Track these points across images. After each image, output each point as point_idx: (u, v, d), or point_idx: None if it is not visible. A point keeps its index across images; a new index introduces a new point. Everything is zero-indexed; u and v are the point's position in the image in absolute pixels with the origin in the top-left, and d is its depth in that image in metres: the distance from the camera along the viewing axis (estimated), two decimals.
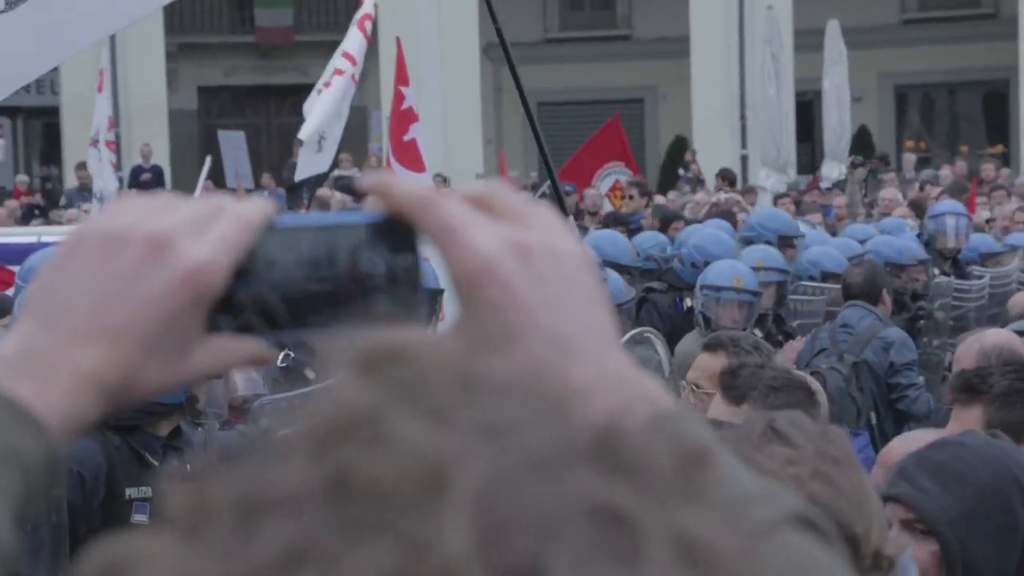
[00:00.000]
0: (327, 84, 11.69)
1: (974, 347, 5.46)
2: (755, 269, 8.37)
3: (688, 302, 9.08)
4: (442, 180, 24.10)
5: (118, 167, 27.99)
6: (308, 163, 11.51)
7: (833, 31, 23.12)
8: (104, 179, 18.70)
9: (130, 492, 4.97)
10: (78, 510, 4.81)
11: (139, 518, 4.99)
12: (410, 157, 10.40)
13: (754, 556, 0.71)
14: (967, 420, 3.49)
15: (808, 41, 25.39)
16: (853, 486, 2.19)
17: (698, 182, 24.50)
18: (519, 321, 1.04)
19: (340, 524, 0.67)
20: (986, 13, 32.24)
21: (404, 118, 10.47)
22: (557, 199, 6.52)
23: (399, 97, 10.60)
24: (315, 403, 0.73)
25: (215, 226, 1.06)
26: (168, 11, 28.92)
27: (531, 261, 1.06)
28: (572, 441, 0.72)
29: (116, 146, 18.29)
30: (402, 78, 10.63)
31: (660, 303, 9.07)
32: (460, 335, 0.91)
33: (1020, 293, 8.85)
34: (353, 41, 11.43)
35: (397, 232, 1.06)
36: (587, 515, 0.68)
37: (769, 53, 22.89)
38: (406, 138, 10.45)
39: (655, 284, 9.21)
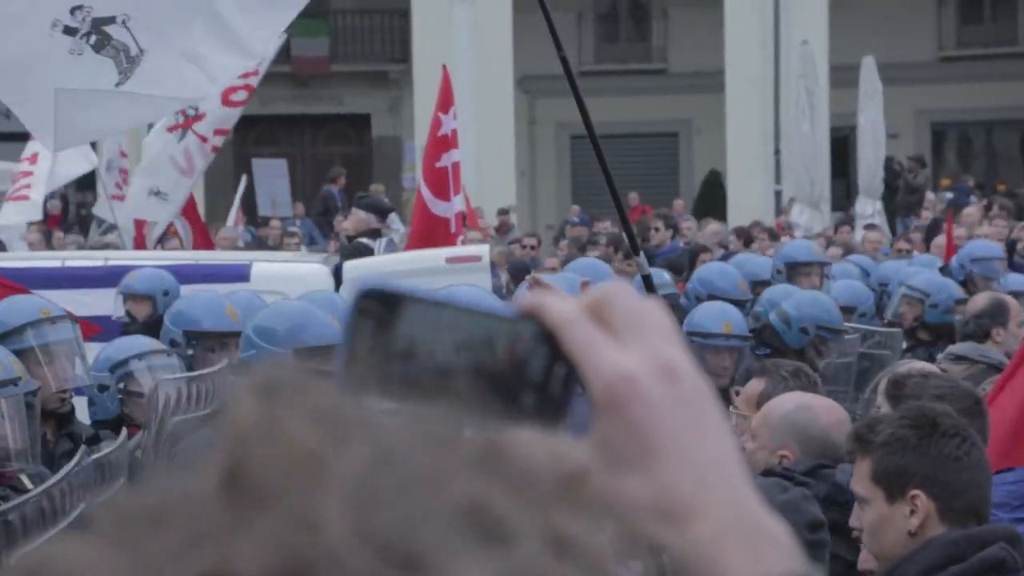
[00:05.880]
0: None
1: None
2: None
3: None
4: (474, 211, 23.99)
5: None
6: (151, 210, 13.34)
7: (868, 67, 23.04)
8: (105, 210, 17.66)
9: None
10: None
11: None
12: (439, 185, 10.40)
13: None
14: (860, 474, 3.46)
15: (844, 77, 25.30)
16: None
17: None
18: (660, 443, 1.01)
19: (233, 509, 0.77)
20: None
21: (440, 144, 10.47)
22: (628, 235, 6.44)
23: (436, 123, 10.61)
24: (217, 417, 0.82)
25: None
26: None
27: (676, 384, 1.02)
28: (456, 452, 0.81)
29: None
30: (443, 105, 10.62)
31: None
32: (596, 449, 0.96)
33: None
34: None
35: (551, 340, 1.02)
36: (459, 508, 0.78)
37: (804, 88, 22.82)
38: (438, 164, 10.45)
39: None
